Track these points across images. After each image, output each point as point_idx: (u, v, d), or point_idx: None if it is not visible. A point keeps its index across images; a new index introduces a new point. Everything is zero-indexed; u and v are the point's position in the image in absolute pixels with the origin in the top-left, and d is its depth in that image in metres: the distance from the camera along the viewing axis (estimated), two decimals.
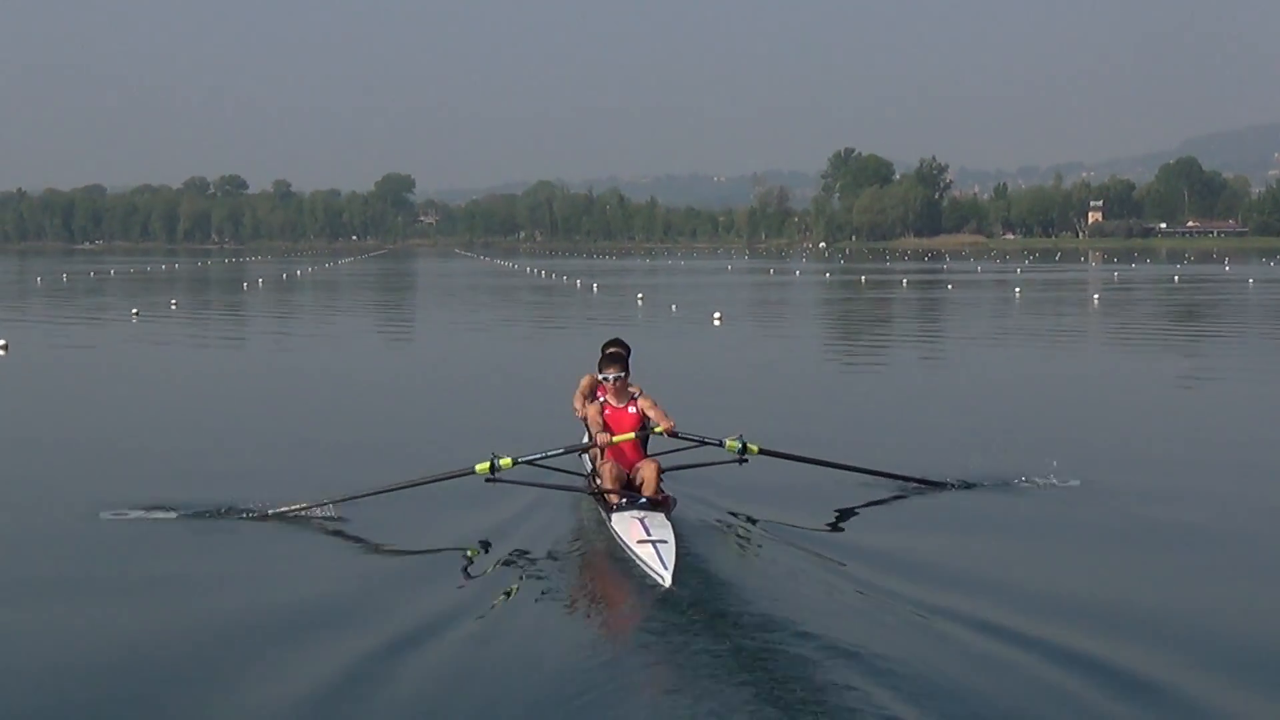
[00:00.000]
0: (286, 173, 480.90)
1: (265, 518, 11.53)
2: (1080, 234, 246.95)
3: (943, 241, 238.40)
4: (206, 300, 58.43)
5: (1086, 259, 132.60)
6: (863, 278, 79.37)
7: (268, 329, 39.78)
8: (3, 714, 7.28)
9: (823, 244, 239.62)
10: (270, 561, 10.44)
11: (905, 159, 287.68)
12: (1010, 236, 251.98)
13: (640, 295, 53.35)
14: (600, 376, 11.70)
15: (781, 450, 12.46)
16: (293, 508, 11.66)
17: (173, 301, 52.45)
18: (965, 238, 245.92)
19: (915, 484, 12.93)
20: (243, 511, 11.63)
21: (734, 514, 11.79)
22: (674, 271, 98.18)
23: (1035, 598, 9.23)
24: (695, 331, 35.82)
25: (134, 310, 43.32)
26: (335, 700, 7.36)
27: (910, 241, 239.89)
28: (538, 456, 11.49)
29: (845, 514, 12.09)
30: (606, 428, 11.38)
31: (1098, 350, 31.45)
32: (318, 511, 11.58)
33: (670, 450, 11.91)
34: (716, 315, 38.87)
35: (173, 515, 11.55)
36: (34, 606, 9.26)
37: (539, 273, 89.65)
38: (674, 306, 46.38)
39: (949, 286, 65.47)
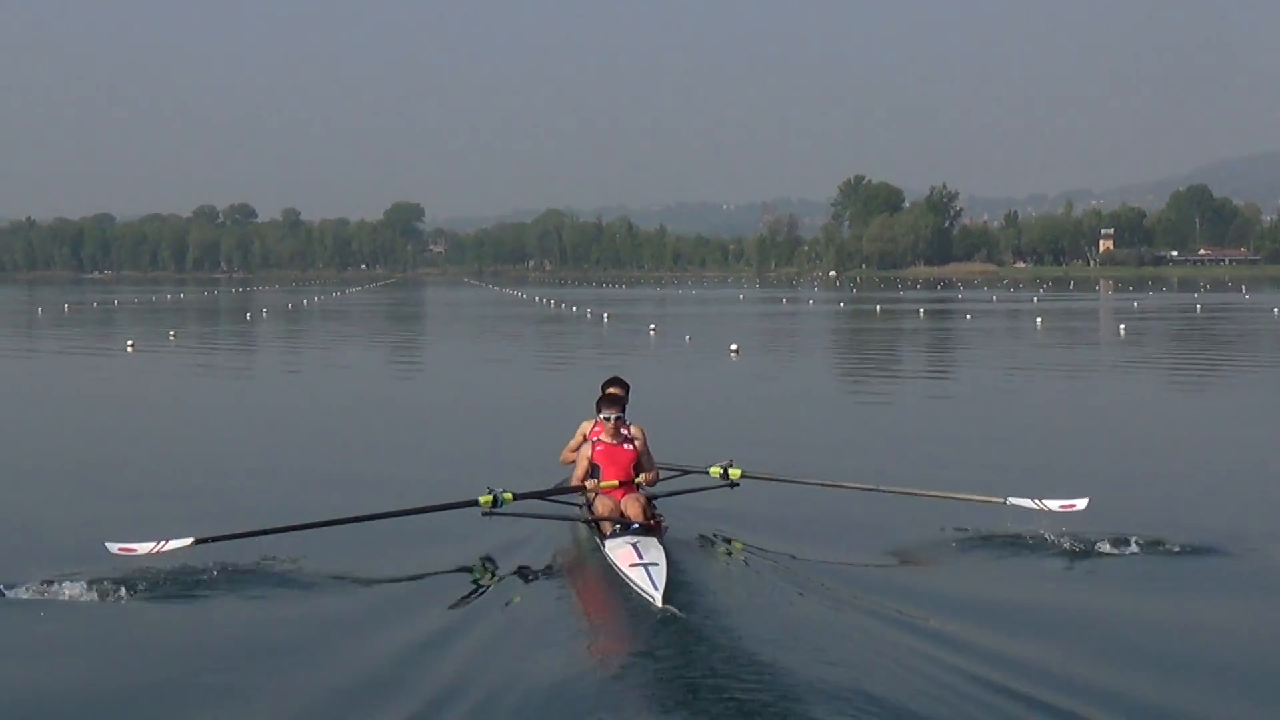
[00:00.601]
0: (296, 201, 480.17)
1: (260, 534, 11.46)
2: (1091, 262, 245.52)
3: (954, 270, 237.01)
4: (207, 331, 57.19)
5: (1098, 287, 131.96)
6: (878, 307, 78.10)
7: (266, 360, 38.71)
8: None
9: (833, 272, 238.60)
10: (270, 581, 10.70)
11: (913, 187, 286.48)
12: (1021, 265, 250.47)
13: (653, 326, 52.06)
14: (601, 416, 11.86)
15: (765, 474, 12.94)
16: (289, 526, 11.61)
17: (172, 333, 51.14)
18: (976, 266, 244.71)
19: (902, 495, 12.93)
20: (240, 532, 11.41)
21: (726, 538, 12.08)
22: (685, 301, 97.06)
23: (1030, 622, 9.44)
24: (712, 364, 34.54)
25: (129, 342, 41.97)
26: (332, 714, 7.70)
27: (921, 270, 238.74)
28: (534, 493, 12.07)
29: (832, 533, 12.41)
30: (597, 467, 11.75)
31: (1136, 382, 30.09)
32: (315, 532, 11.57)
33: (661, 479, 12.33)
34: (733, 347, 37.48)
35: (186, 542, 11.19)
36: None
37: (548, 302, 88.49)
38: (688, 338, 45.05)
39: (968, 316, 64.04)
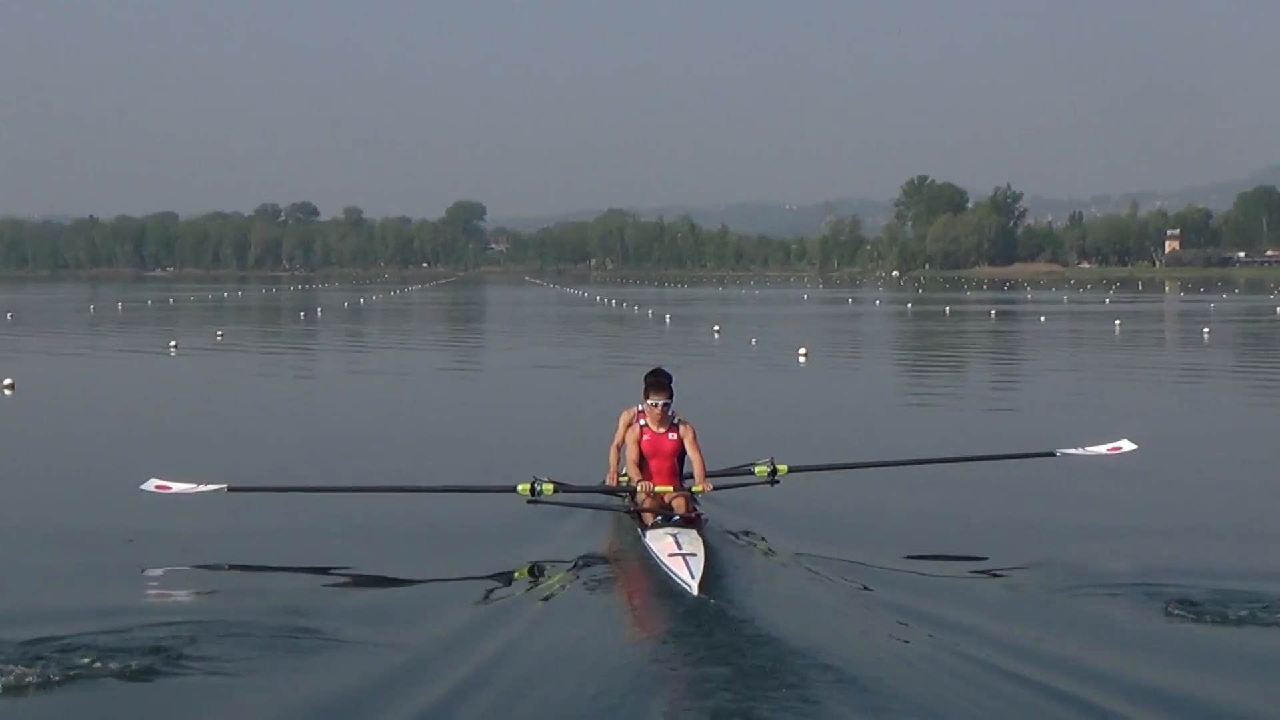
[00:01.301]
0: (358, 200, 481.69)
1: (294, 490, 12.67)
2: (1157, 263, 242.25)
3: (1018, 270, 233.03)
4: (256, 330, 56.20)
5: (1165, 289, 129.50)
6: (947, 308, 75.95)
7: (312, 362, 37.34)
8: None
9: (895, 272, 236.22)
10: (335, 538, 11.69)
11: (975, 187, 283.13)
12: (1086, 265, 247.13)
13: (717, 328, 50.22)
14: (649, 402, 11.79)
15: (810, 464, 13.01)
16: (325, 487, 12.70)
17: (219, 333, 49.70)
18: (1041, 266, 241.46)
19: (952, 463, 13.61)
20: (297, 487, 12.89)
21: (763, 529, 12.18)
22: (748, 301, 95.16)
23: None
24: (780, 369, 32.73)
25: (172, 343, 40.81)
26: (381, 685, 7.96)
27: (985, 270, 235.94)
28: (579, 487, 12.26)
29: (878, 528, 12.63)
30: (643, 455, 11.73)
31: (1245, 392, 28.14)
32: (371, 497, 12.65)
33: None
34: (801, 351, 35.67)
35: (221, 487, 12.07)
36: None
37: (609, 302, 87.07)
38: (754, 340, 42.98)
39: (1041, 319, 61.72)
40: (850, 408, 24.55)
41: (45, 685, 7.81)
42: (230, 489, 11.87)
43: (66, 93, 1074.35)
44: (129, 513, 12.82)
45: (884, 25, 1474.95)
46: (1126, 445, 12.95)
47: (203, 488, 11.80)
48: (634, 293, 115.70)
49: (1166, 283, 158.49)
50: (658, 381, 11.82)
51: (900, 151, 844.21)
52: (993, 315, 65.87)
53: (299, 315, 68.70)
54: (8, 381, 26.33)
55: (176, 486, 11.78)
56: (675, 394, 11.93)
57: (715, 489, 11.99)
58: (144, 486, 11.91)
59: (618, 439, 12.39)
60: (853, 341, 48.02)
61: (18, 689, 7.76)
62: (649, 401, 11.76)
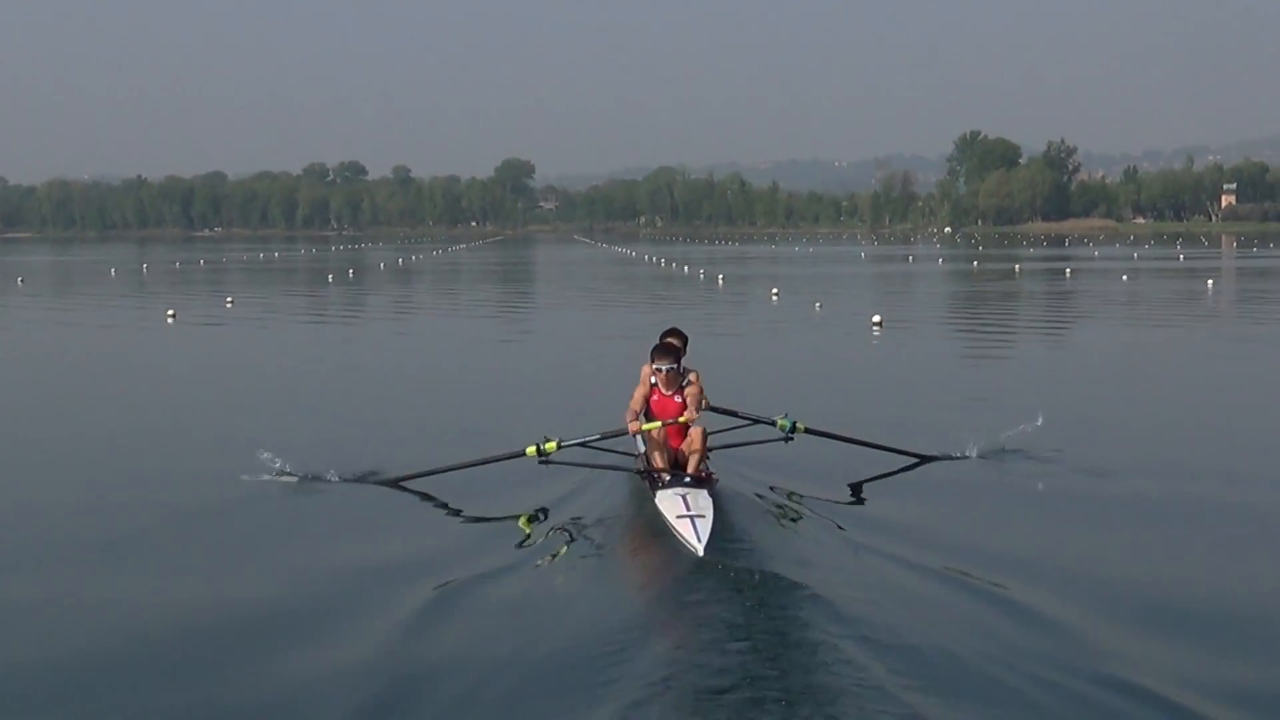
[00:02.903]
0: (406, 159, 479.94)
1: (343, 482, 12.75)
2: (1213, 218, 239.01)
3: (1072, 226, 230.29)
4: (274, 295, 52.71)
5: (1220, 243, 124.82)
6: (1016, 266, 71.28)
7: (323, 336, 33.61)
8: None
9: (948, 229, 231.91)
10: (349, 524, 11.51)
11: (1027, 143, 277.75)
12: (1141, 221, 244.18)
13: (775, 290, 45.51)
14: (654, 366, 11.88)
15: (826, 430, 13.11)
16: (354, 476, 12.85)
17: (229, 300, 44.44)
18: (1095, 222, 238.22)
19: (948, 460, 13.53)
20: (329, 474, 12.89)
21: (776, 490, 12.17)
22: (802, 260, 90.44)
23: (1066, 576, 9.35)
24: (853, 340, 28.59)
25: (170, 312, 36.95)
26: (398, 636, 8.18)
27: (1038, 226, 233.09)
28: (578, 441, 12.11)
29: (881, 494, 12.44)
30: (650, 412, 11.88)
31: None
32: (385, 485, 12.74)
33: (718, 430, 12.64)
34: (876, 319, 31.57)
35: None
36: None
37: (659, 261, 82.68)
38: (818, 305, 38.56)
39: (1123, 277, 56.95)
40: (964, 389, 20.44)
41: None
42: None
43: (115, 55, 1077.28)
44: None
45: None
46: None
47: None
48: (683, 251, 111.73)
49: (1223, 238, 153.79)
50: (663, 345, 12.02)
51: (949, 107, 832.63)
52: (1068, 274, 61.30)
53: (327, 278, 64.68)
54: None
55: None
56: (687, 351, 12.36)
57: (728, 445, 12.73)
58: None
59: (634, 406, 12.16)
60: (929, 307, 42.68)
61: None
62: (654, 365, 11.86)
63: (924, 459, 13.45)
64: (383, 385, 21.40)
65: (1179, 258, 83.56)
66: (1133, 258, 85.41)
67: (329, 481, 12.62)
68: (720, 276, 59.15)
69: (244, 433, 15.49)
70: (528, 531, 10.94)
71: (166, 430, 16.77)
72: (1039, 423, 13.65)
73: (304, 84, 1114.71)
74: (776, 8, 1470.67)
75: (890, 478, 12.95)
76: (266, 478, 12.61)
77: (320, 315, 40.36)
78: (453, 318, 38.47)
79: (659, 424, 11.56)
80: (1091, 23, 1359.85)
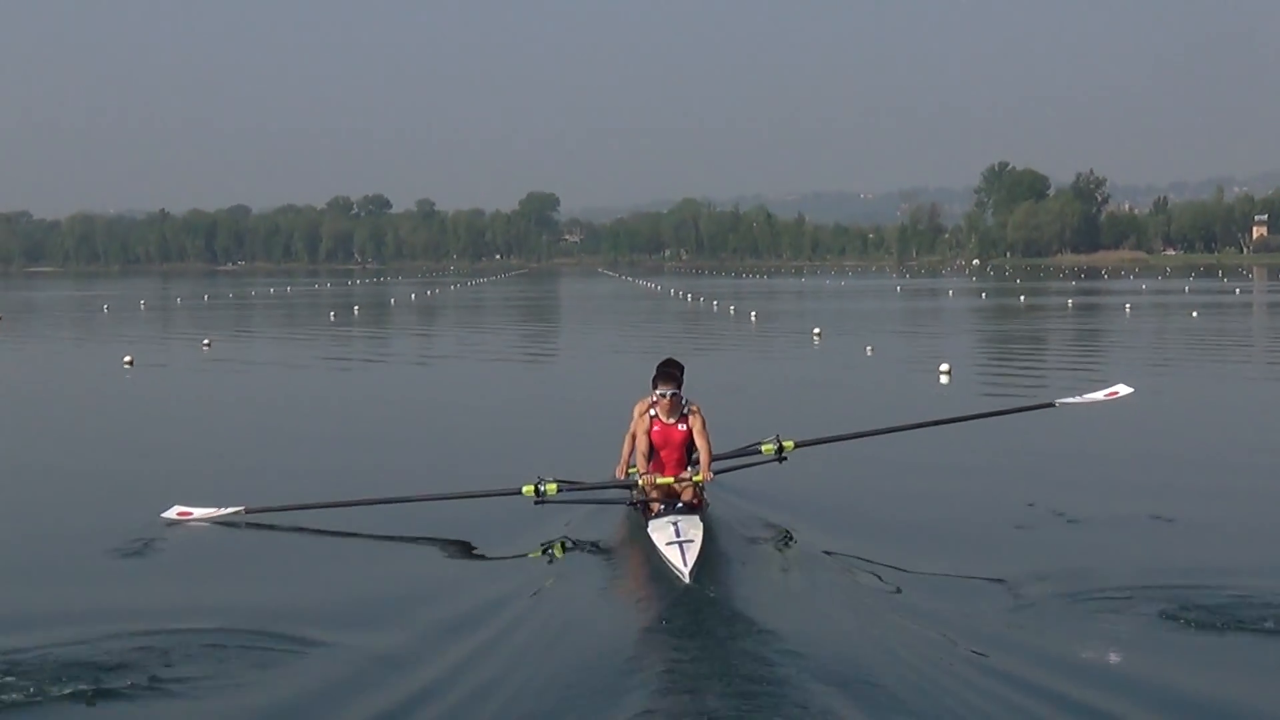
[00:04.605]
0: (430, 192, 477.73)
1: (309, 507, 12.84)
2: (1245, 249, 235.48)
3: (1102, 258, 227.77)
4: (265, 336, 48.91)
5: (1250, 276, 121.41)
6: (1069, 301, 67.17)
7: (302, 381, 29.72)
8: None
9: (976, 261, 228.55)
10: (346, 551, 11.92)
11: (1053, 173, 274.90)
12: (1171, 252, 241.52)
13: (817, 331, 40.76)
14: (657, 393, 11.72)
15: (815, 439, 12.98)
16: (339, 502, 12.97)
17: (206, 342, 39.84)
18: (1126, 254, 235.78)
19: (954, 423, 14.84)
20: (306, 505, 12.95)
21: (769, 513, 12.28)
22: (834, 294, 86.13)
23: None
24: (922, 395, 23.89)
25: (127, 359, 32.52)
26: (379, 664, 8.32)
27: (1068, 258, 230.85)
28: (580, 488, 12.29)
29: (888, 518, 12.55)
30: (652, 446, 11.71)
31: None
32: (378, 509, 12.99)
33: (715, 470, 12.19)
34: (944, 368, 26.98)
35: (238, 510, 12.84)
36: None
37: (685, 296, 78.67)
38: (869, 348, 34.07)
39: (1193, 314, 52.22)
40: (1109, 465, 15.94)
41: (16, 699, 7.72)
42: (247, 510, 12.75)
43: (139, 88, 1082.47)
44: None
45: (957, 9, 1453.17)
46: (1123, 389, 13.74)
47: (222, 511, 12.76)
48: (710, 284, 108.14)
49: (1254, 270, 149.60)
50: (665, 372, 11.84)
51: (973, 141, 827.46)
52: (1127, 311, 56.83)
53: (329, 315, 60.66)
54: None
55: (198, 512, 12.76)
56: (684, 382, 12.00)
57: (720, 472, 12.04)
58: (165, 515, 12.74)
59: (631, 430, 12.21)
60: (994, 349, 37.55)
61: None
62: (657, 392, 11.72)
63: (923, 424, 14.23)
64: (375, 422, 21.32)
65: (1235, 290, 79.55)
66: (1184, 290, 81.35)
67: (317, 508, 12.78)
68: (753, 314, 55.16)
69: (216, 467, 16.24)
70: (524, 561, 11.07)
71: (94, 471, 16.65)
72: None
73: (328, 117, 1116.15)
74: (799, 40, 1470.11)
75: (886, 495, 13.49)
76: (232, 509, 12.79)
77: (302, 363, 36.11)
78: (464, 361, 34.53)
79: (671, 479, 11.51)
80: (1115, 54, 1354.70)
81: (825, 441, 13.07)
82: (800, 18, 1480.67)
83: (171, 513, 12.72)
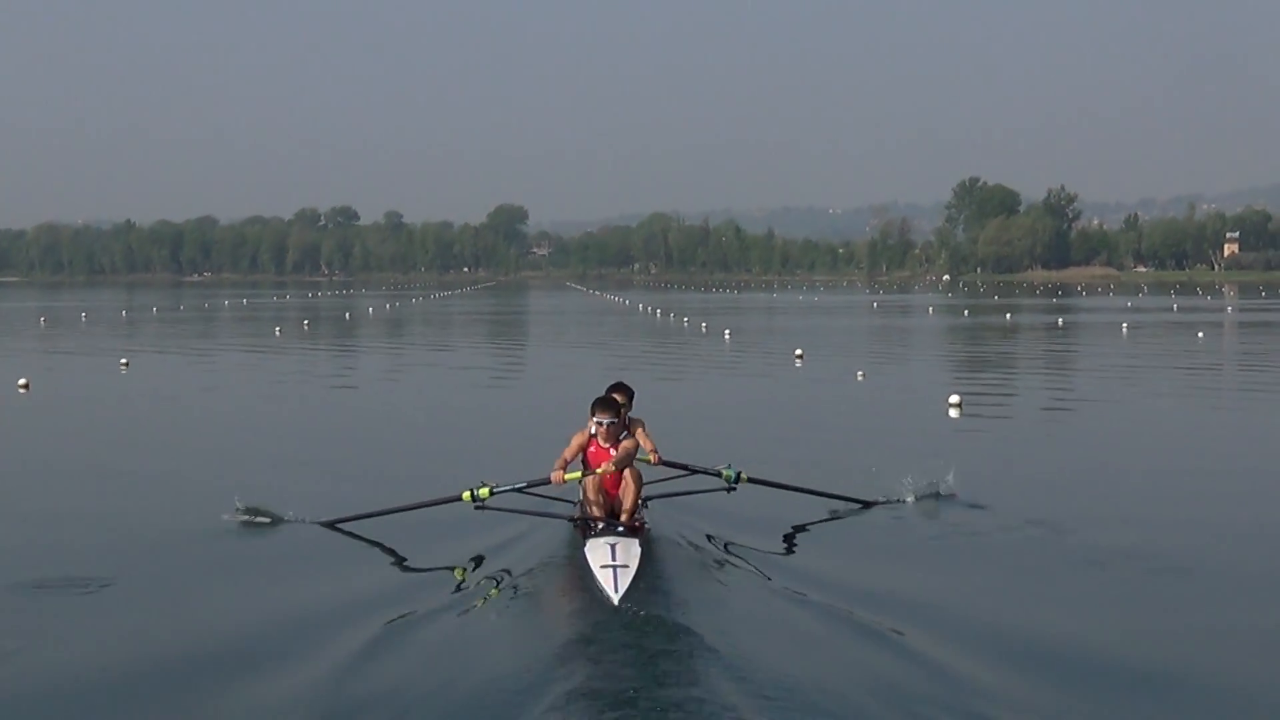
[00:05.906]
0: (398, 204, 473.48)
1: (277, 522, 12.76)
2: (1216, 266, 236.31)
3: (1073, 274, 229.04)
4: (192, 349, 45.23)
5: (1222, 291, 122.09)
6: (1059, 320, 64.25)
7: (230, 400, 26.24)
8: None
9: (946, 276, 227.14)
10: (287, 564, 11.54)
11: (1024, 190, 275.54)
12: (1142, 269, 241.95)
13: (799, 352, 37.05)
14: (594, 420, 11.56)
15: (769, 479, 13.17)
16: (274, 516, 12.78)
17: (123, 361, 35.57)
18: (1096, 270, 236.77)
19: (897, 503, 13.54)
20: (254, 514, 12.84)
21: (713, 540, 12.00)
22: (807, 310, 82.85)
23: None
24: (936, 437, 20.08)
25: (21, 382, 28.32)
26: (326, 677, 8.16)
27: (1039, 274, 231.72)
28: (509, 487, 12.03)
29: (818, 543, 12.40)
30: (586, 463, 11.60)
31: None
32: (318, 528, 12.70)
33: (659, 479, 12.57)
34: (953, 400, 23.44)
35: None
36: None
37: (655, 312, 75.24)
38: (860, 374, 30.39)
39: (1199, 334, 49.16)
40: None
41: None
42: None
43: (104, 98, 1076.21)
44: None
45: (926, 29, 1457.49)
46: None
47: None
48: (679, 299, 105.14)
49: (1225, 287, 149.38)
50: (603, 400, 11.66)
51: (943, 156, 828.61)
52: (1124, 330, 53.31)
53: (275, 330, 56.55)
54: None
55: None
56: (632, 405, 12.02)
57: (670, 494, 12.59)
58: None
59: (566, 455, 11.77)
60: (1004, 378, 33.24)
61: None
62: (594, 419, 11.56)
63: (866, 504, 13.52)
64: (336, 431, 21.55)
65: (1227, 309, 77.16)
66: (1172, 309, 79.04)
67: (265, 523, 12.66)
68: (726, 331, 51.91)
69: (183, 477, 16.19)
70: (460, 578, 10.93)
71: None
72: None
73: (296, 128, 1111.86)
74: (770, 54, 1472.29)
75: (831, 523, 13.04)
76: (226, 517, 12.74)
77: (219, 384, 32.67)
78: (420, 378, 31.10)
79: (579, 474, 11.47)
80: (1085, 72, 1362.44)
81: (777, 486, 13.25)
82: (771, 33, 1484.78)
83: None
